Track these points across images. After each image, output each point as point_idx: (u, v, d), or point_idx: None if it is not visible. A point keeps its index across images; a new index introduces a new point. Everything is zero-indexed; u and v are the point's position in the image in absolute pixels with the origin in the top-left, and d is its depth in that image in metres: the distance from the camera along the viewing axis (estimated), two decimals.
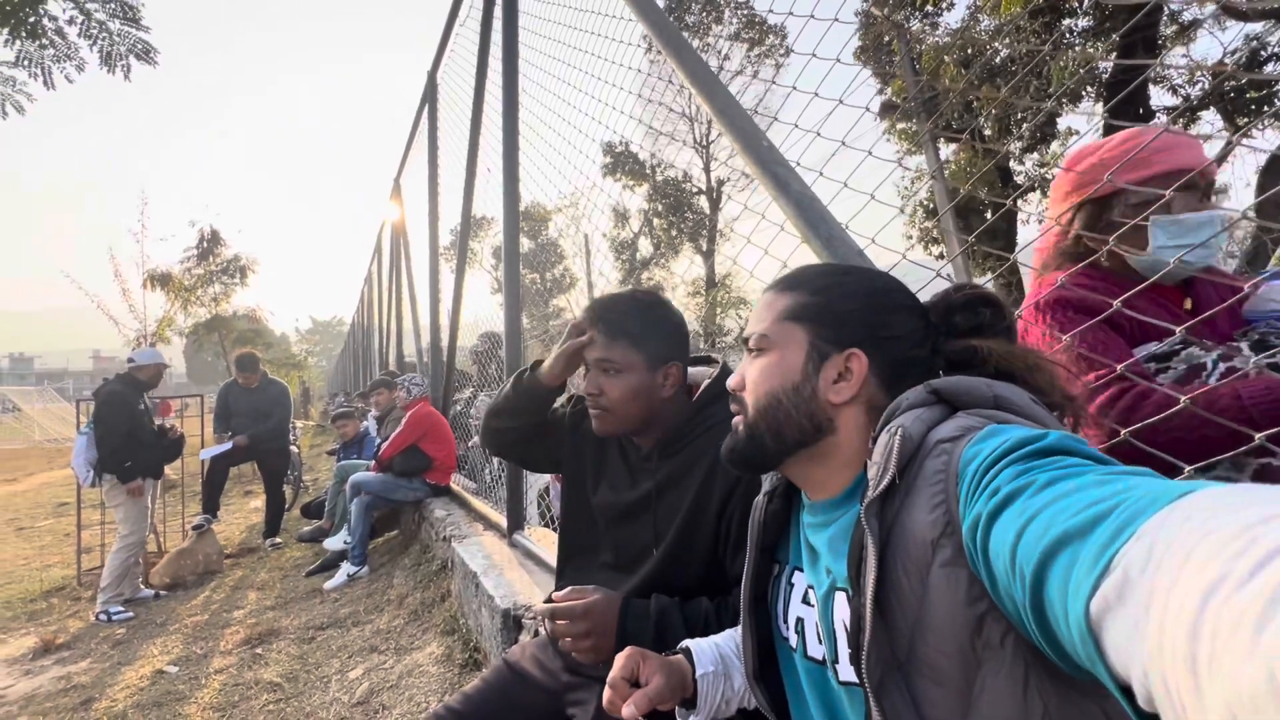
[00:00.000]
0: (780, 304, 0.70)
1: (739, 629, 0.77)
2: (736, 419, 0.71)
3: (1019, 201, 11.67)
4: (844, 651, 0.60)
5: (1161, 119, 9.92)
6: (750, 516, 0.76)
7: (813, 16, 1.21)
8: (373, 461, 4.13)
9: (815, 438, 0.65)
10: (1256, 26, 8.40)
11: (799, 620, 0.68)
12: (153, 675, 2.70)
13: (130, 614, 3.54)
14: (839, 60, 1.19)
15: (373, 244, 9.57)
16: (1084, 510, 0.37)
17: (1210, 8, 8.57)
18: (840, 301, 0.68)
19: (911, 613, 0.51)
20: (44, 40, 3.77)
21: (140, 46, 4.09)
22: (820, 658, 0.64)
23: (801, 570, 0.70)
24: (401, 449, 3.92)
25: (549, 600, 1.17)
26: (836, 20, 1.20)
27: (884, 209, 1.11)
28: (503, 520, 2.84)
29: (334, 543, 4.12)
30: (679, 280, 21.30)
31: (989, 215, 9.02)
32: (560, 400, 1.31)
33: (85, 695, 2.59)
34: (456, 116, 4.25)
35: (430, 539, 3.63)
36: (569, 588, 1.02)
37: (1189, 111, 9.97)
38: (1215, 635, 0.25)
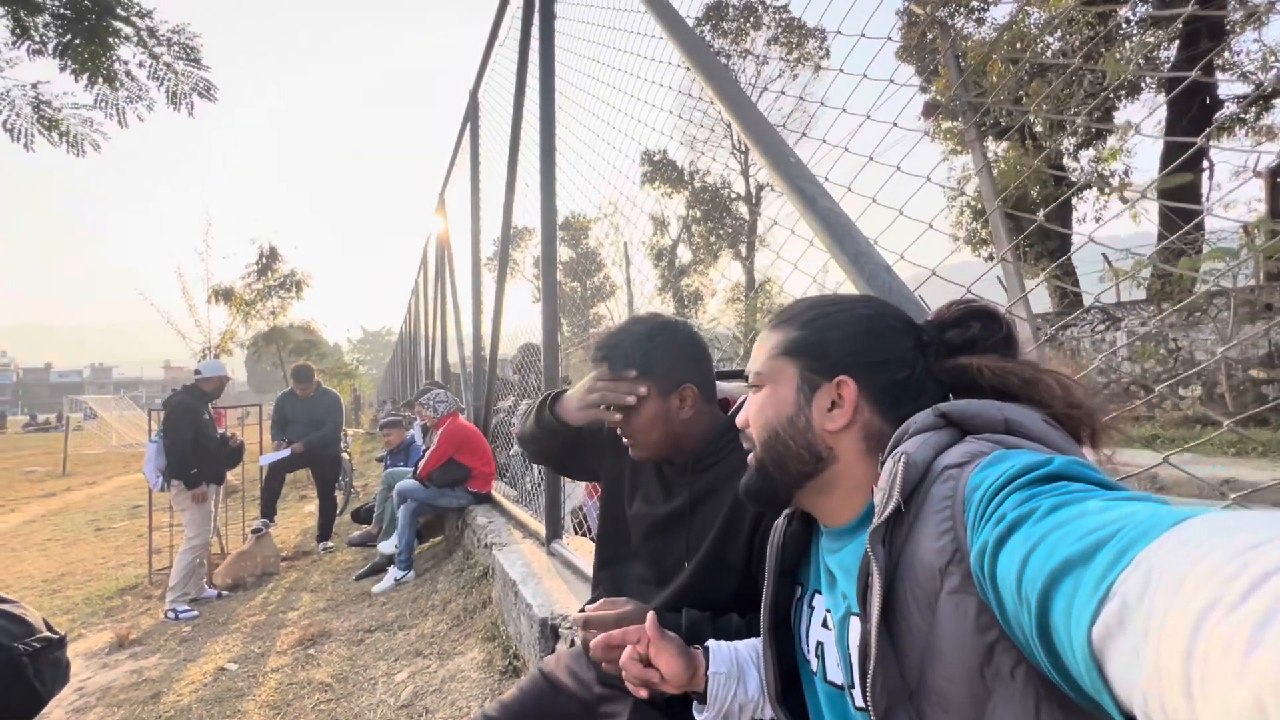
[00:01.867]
0: (771, 341, 0.72)
1: (761, 645, 0.78)
2: (749, 456, 0.73)
3: (1074, 200, 11.18)
4: (859, 677, 0.60)
5: (1231, 108, 9.35)
6: (769, 539, 0.76)
7: (855, 33, 1.21)
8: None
9: (818, 468, 0.66)
10: None
11: (819, 644, 0.69)
12: (215, 672, 2.85)
13: (196, 613, 3.74)
14: (865, 76, 1.17)
15: (419, 256, 9.89)
16: (1086, 536, 0.37)
17: None
18: (826, 332, 0.69)
19: (921, 640, 0.51)
20: (118, 83, 4.07)
21: (202, 85, 4.38)
22: (840, 682, 0.65)
23: (821, 594, 0.70)
24: (438, 465, 4.04)
25: (583, 610, 1.20)
26: (863, 36, 1.20)
27: (922, 220, 1.09)
28: (542, 529, 2.89)
29: (386, 546, 4.26)
30: (716, 287, 21.21)
31: (1041, 215, 8.66)
32: None
33: (155, 689, 2.75)
34: (497, 133, 4.38)
35: (472, 545, 3.72)
36: (602, 599, 1.04)
37: (1261, 100, 9.38)
38: (1208, 658, 0.25)
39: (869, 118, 1.16)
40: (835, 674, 0.66)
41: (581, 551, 2.51)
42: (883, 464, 0.58)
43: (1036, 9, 9.37)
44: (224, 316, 14.51)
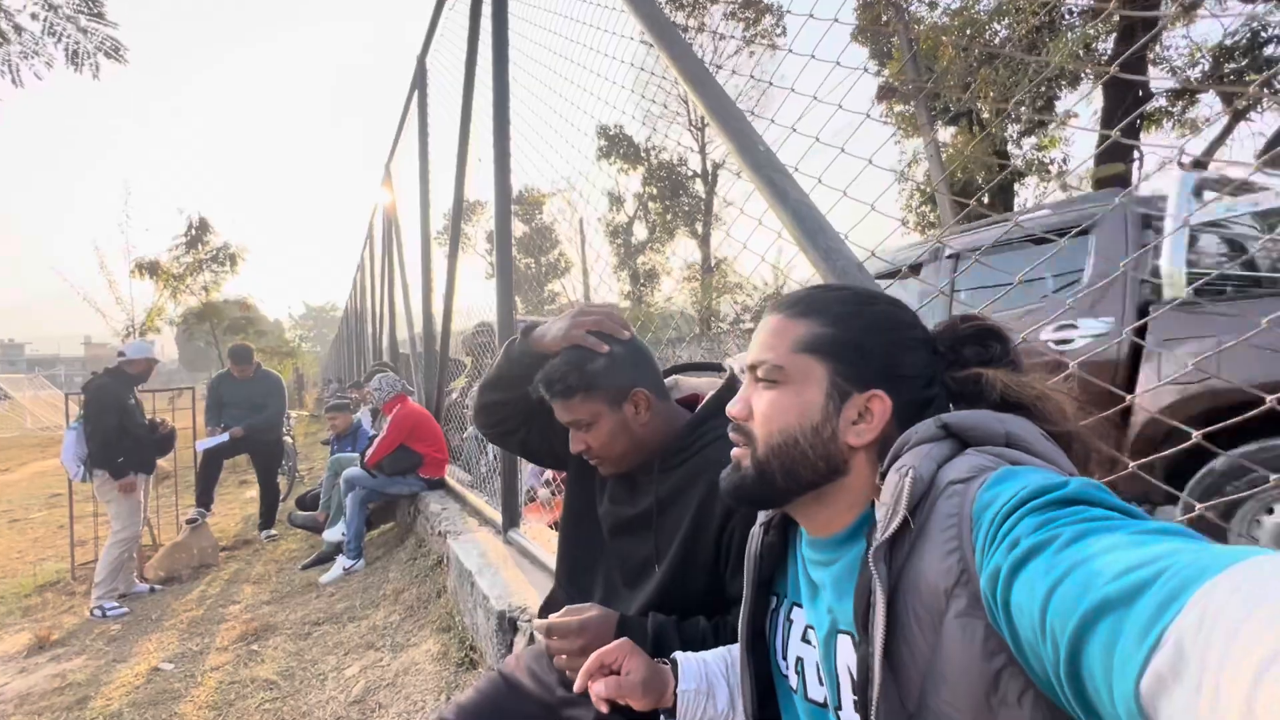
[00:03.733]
0: (795, 332, 0.64)
1: (735, 659, 0.76)
2: (739, 451, 0.66)
3: (1016, 185, 11.61)
4: (848, 698, 0.59)
5: (1160, 102, 9.84)
6: (746, 549, 0.74)
7: (805, 12, 1.17)
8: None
9: (828, 479, 0.62)
10: (1259, 8, 8.29)
11: (799, 660, 0.67)
12: (148, 673, 2.70)
13: (125, 610, 3.53)
14: (813, 56, 1.14)
15: (365, 228, 9.47)
16: (1124, 575, 0.34)
17: None
18: (863, 336, 0.63)
19: (923, 662, 0.49)
20: (4, 37, 3.66)
21: (109, 44, 4.00)
22: (822, 700, 0.63)
23: (800, 605, 0.68)
24: (388, 453, 3.90)
25: (543, 612, 1.16)
26: (811, 16, 1.16)
27: (881, 215, 1.08)
28: (498, 516, 2.83)
29: (332, 534, 4.11)
30: (671, 266, 21.20)
31: (985, 200, 8.96)
32: None
33: (81, 694, 2.58)
34: (447, 102, 4.17)
35: (426, 533, 3.63)
36: (566, 608, 1.01)
37: (1187, 94, 9.89)
38: (1270, 713, 0.24)
39: (815, 99, 1.14)
40: (817, 692, 0.64)
41: (539, 540, 2.47)
42: (883, 475, 0.56)
43: None
44: (150, 293, 13.59)
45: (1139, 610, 0.32)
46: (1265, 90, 8.24)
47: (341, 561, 3.75)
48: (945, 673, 0.48)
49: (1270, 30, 8.56)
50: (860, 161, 1.08)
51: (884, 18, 10.66)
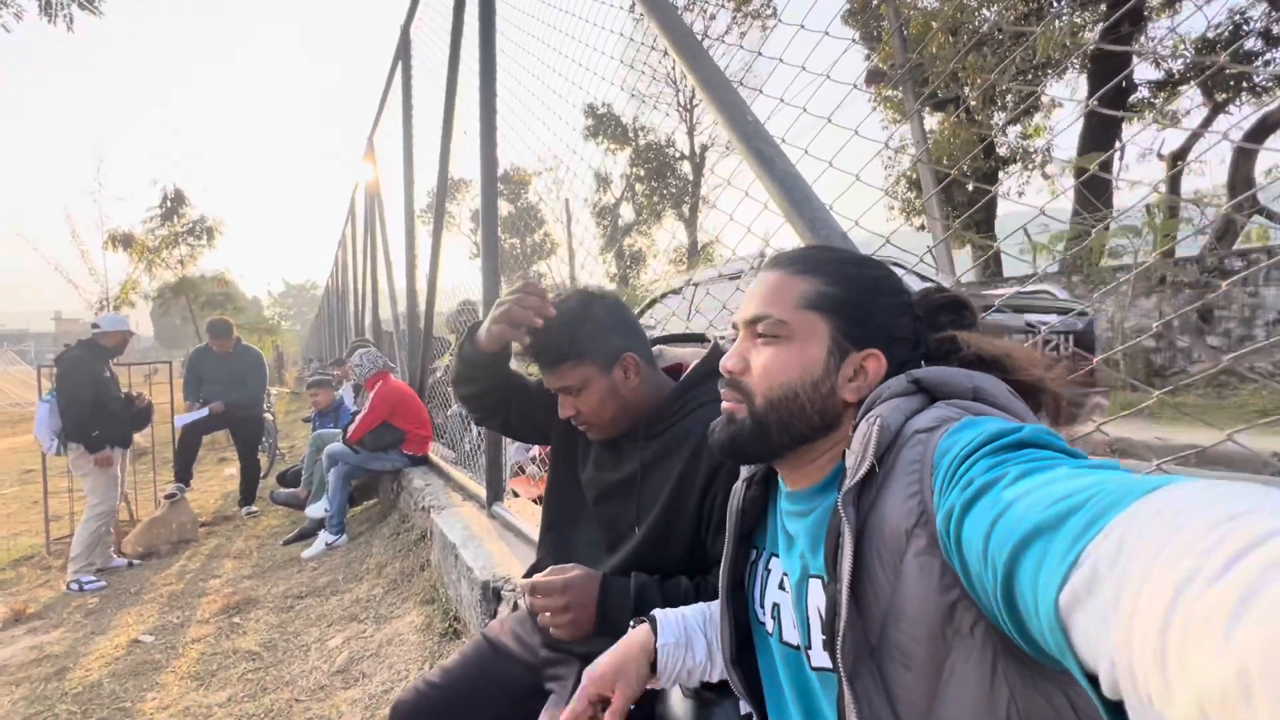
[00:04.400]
0: (798, 288, 0.66)
1: (716, 611, 0.78)
2: (733, 405, 0.67)
3: (1000, 174, 11.70)
4: (818, 638, 0.62)
5: (1143, 93, 9.94)
6: (729, 504, 0.76)
7: None
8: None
9: (821, 434, 0.65)
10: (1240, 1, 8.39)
11: (775, 605, 0.69)
12: (128, 645, 2.69)
13: (103, 583, 3.50)
14: (827, 33, 1.14)
15: (347, 205, 9.29)
16: (1056, 503, 0.37)
17: None
18: (863, 297, 0.65)
19: (885, 600, 0.53)
20: None
21: None
22: (796, 643, 0.66)
23: (778, 556, 0.70)
24: (371, 428, 3.88)
25: (527, 574, 1.18)
26: None
27: (866, 185, 1.10)
28: (482, 491, 2.85)
29: (314, 510, 4.09)
30: (659, 248, 21.15)
31: (970, 188, 9.05)
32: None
33: (59, 665, 2.57)
34: (432, 74, 4.09)
35: (409, 508, 3.63)
36: (550, 567, 1.03)
37: (1170, 85, 10.00)
38: (1186, 630, 0.25)
39: (804, 69, 1.14)
40: (791, 635, 0.66)
41: (523, 514, 2.49)
42: (855, 427, 0.59)
43: None
44: (124, 265, 13.25)
45: (1064, 533, 0.35)
46: (1241, 78, 8.38)
47: (324, 536, 3.74)
48: (905, 608, 0.51)
49: (1252, 24, 8.68)
50: (846, 132, 1.09)
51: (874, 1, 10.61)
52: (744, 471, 0.75)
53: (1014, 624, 0.40)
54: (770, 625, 0.70)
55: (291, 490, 4.75)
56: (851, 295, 0.65)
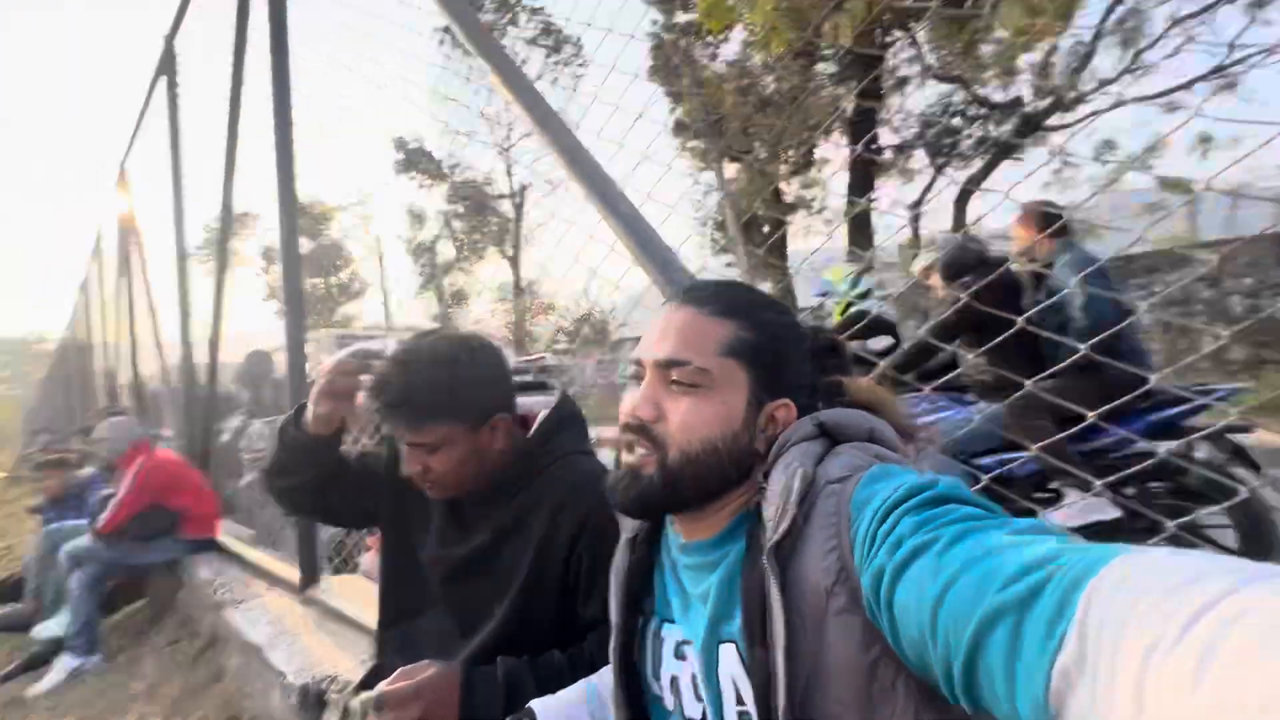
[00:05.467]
0: (717, 333, 0.60)
1: (602, 686, 0.72)
2: (641, 459, 0.60)
3: (787, 218, 13.43)
4: (731, 709, 0.57)
5: (887, 155, 12.16)
6: (612, 570, 0.70)
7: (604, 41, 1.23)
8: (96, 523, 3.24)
9: (733, 486, 0.61)
10: (946, 87, 10.75)
11: (674, 678, 0.64)
12: None
13: None
14: (637, 75, 1.22)
15: (90, 242, 7.66)
16: (1015, 580, 0.37)
17: (916, 68, 10.79)
18: (778, 344, 0.63)
19: (809, 662, 0.50)
20: None
21: None
22: (700, 717, 0.61)
23: (672, 621, 0.66)
24: (133, 514, 3.11)
25: (367, 684, 1.00)
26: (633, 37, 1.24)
27: (680, 219, 1.18)
28: (294, 574, 2.43)
29: (47, 630, 3.16)
30: (483, 286, 20.68)
31: (766, 229, 10.25)
32: (367, 442, 1.14)
33: None
34: (207, 93, 3.57)
35: (193, 608, 2.99)
36: (398, 670, 0.87)
37: (903, 149, 12.38)
38: (1159, 698, 0.27)
39: (617, 107, 1.22)
40: (694, 709, 0.62)
41: (348, 593, 2.16)
42: (766, 475, 0.56)
43: (756, 53, 11.00)
44: None
45: (1037, 614, 0.35)
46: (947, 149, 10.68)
47: (64, 662, 2.90)
48: (832, 671, 0.49)
49: (953, 106, 11.20)
50: (661, 166, 1.15)
51: (674, 61, 11.68)
52: (626, 531, 0.70)
53: (966, 696, 0.39)
54: (670, 700, 0.65)
55: (12, 606, 3.64)
56: (768, 343, 0.62)
